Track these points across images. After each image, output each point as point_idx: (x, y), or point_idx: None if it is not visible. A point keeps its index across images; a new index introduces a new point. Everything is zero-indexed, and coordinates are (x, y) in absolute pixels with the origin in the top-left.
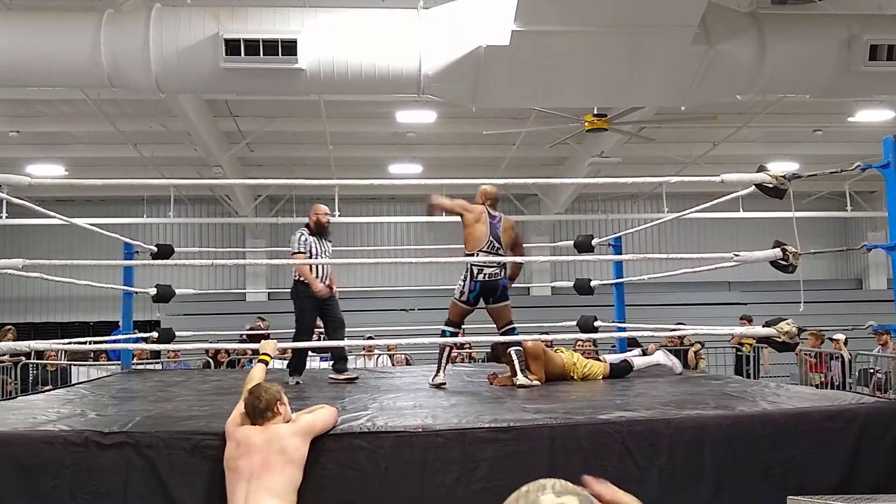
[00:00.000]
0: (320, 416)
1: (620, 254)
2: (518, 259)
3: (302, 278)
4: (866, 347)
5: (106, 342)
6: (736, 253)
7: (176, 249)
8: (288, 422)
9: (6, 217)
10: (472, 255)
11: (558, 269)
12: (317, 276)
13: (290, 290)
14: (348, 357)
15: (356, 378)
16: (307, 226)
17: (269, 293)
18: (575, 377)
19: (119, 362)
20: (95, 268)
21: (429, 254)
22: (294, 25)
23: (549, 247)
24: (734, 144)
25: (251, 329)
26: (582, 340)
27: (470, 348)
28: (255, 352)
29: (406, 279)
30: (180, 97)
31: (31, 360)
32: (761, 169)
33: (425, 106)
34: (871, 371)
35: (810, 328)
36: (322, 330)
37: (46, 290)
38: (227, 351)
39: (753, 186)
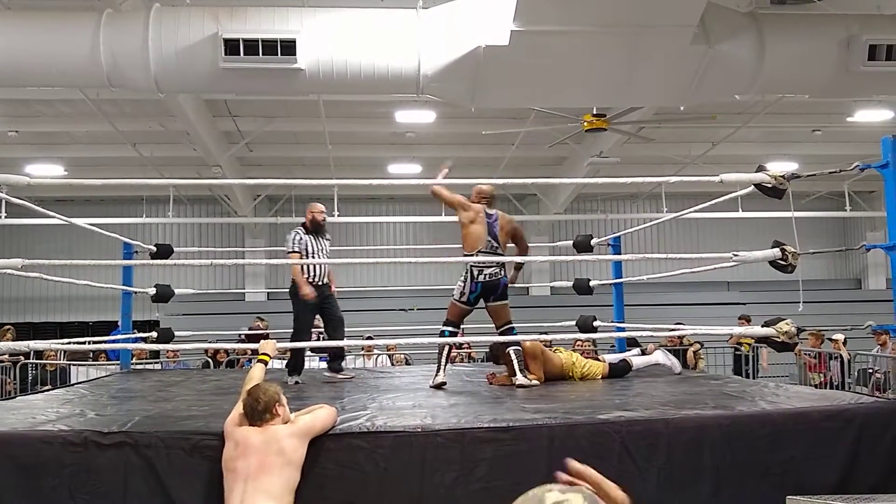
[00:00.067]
0: (319, 417)
1: (619, 254)
2: (518, 259)
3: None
4: (865, 347)
5: (105, 342)
6: (735, 253)
7: (175, 249)
8: (287, 422)
9: (5, 217)
10: (472, 255)
11: (557, 269)
12: (314, 275)
13: (288, 290)
14: (347, 357)
15: (352, 377)
16: (303, 225)
17: (268, 293)
18: (574, 377)
19: (118, 362)
20: (95, 268)
21: (428, 254)
22: (293, 25)
23: (548, 247)
24: (733, 144)
25: (250, 329)
26: (581, 340)
27: (469, 348)
28: (255, 352)
29: (405, 279)
30: (179, 97)
31: (31, 360)
32: (760, 169)
33: (424, 106)
34: (870, 371)
35: (809, 328)
36: (322, 330)
37: (46, 289)
38: (226, 351)
39: (752, 186)
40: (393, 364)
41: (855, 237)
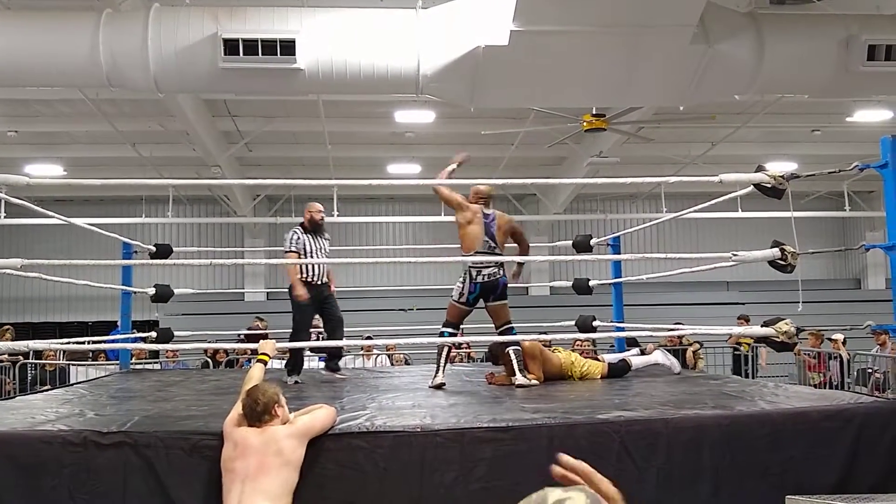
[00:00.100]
0: (318, 417)
1: (619, 254)
2: (518, 259)
3: (297, 277)
4: (865, 347)
5: (104, 342)
6: (734, 253)
7: (174, 249)
8: (286, 423)
9: (5, 217)
10: (470, 256)
11: (557, 268)
12: (312, 274)
13: (287, 290)
14: (346, 357)
15: (346, 378)
16: (301, 224)
17: (267, 293)
18: (573, 377)
19: (118, 362)
20: (94, 267)
21: (427, 254)
22: (293, 25)
23: (547, 247)
24: (733, 144)
25: (249, 329)
26: (580, 340)
27: (468, 348)
28: (254, 352)
29: (404, 279)
30: (179, 97)
31: (30, 360)
32: (760, 169)
33: (424, 106)
34: (870, 371)
35: (808, 328)
36: (322, 329)
37: (45, 289)
38: (225, 351)
39: (752, 186)
40: (392, 364)
41: (854, 237)
